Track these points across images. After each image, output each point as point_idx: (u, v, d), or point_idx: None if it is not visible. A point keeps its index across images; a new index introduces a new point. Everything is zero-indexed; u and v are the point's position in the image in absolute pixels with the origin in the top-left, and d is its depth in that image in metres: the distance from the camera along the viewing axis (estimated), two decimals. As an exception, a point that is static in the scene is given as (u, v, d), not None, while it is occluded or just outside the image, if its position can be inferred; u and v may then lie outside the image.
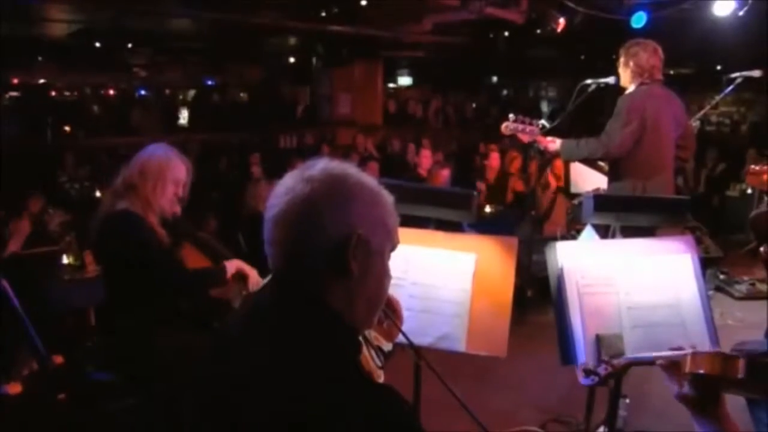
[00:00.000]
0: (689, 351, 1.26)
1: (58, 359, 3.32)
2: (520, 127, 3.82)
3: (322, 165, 1.09)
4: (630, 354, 2.12)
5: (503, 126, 3.89)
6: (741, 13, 5.73)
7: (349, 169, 1.10)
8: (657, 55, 3.63)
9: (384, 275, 1.14)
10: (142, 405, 2.47)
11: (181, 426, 1.17)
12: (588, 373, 1.55)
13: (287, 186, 1.07)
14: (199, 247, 2.78)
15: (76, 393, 2.86)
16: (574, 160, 4.12)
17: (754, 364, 1.18)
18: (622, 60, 3.70)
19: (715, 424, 1.22)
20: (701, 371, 1.22)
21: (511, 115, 3.88)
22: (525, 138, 3.85)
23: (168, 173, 2.59)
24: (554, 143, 3.79)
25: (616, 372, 1.52)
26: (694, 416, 1.25)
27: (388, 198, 1.13)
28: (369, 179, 1.11)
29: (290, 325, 1.03)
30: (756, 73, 4.03)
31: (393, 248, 1.15)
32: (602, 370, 1.52)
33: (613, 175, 3.79)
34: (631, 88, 3.68)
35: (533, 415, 3.08)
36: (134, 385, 2.50)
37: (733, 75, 4.14)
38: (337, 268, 1.04)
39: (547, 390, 3.30)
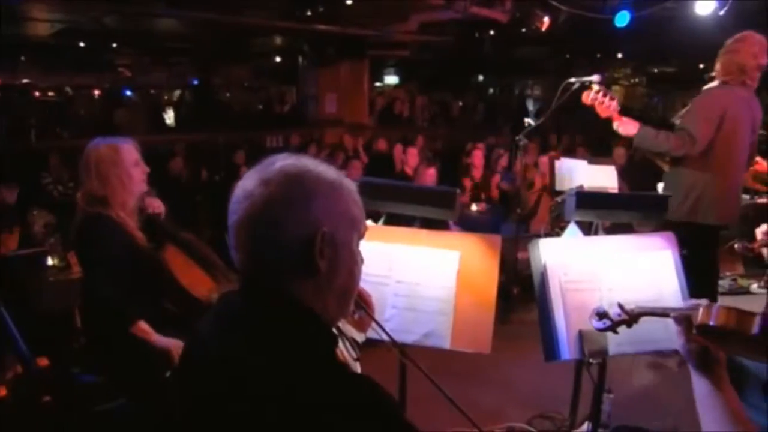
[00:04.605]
0: (704, 303, 1.29)
1: (43, 361, 3.30)
2: (600, 98, 3.64)
3: (278, 165, 1.06)
4: (612, 350, 2.15)
5: (584, 94, 3.69)
6: (721, 13, 5.79)
7: (307, 164, 1.07)
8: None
9: (354, 265, 1.12)
10: (128, 407, 2.46)
11: (167, 428, 1.17)
12: (601, 316, 1.60)
13: (245, 189, 1.05)
14: (182, 248, 2.76)
15: (62, 395, 2.85)
16: (645, 149, 3.91)
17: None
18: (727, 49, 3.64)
19: (712, 382, 1.25)
20: (712, 323, 1.24)
21: (595, 86, 3.68)
22: (603, 112, 3.67)
23: (123, 161, 2.53)
24: (631, 126, 3.67)
25: (628, 320, 1.57)
26: (694, 372, 1.28)
27: (351, 187, 1.11)
28: (328, 171, 1.08)
29: (263, 325, 1.02)
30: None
31: (361, 236, 1.13)
32: (615, 315, 1.58)
33: (673, 168, 3.76)
34: (714, 83, 3.67)
35: (519, 411, 3.10)
36: (120, 386, 2.50)
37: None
38: (305, 267, 1.04)
39: (533, 386, 3.32)
